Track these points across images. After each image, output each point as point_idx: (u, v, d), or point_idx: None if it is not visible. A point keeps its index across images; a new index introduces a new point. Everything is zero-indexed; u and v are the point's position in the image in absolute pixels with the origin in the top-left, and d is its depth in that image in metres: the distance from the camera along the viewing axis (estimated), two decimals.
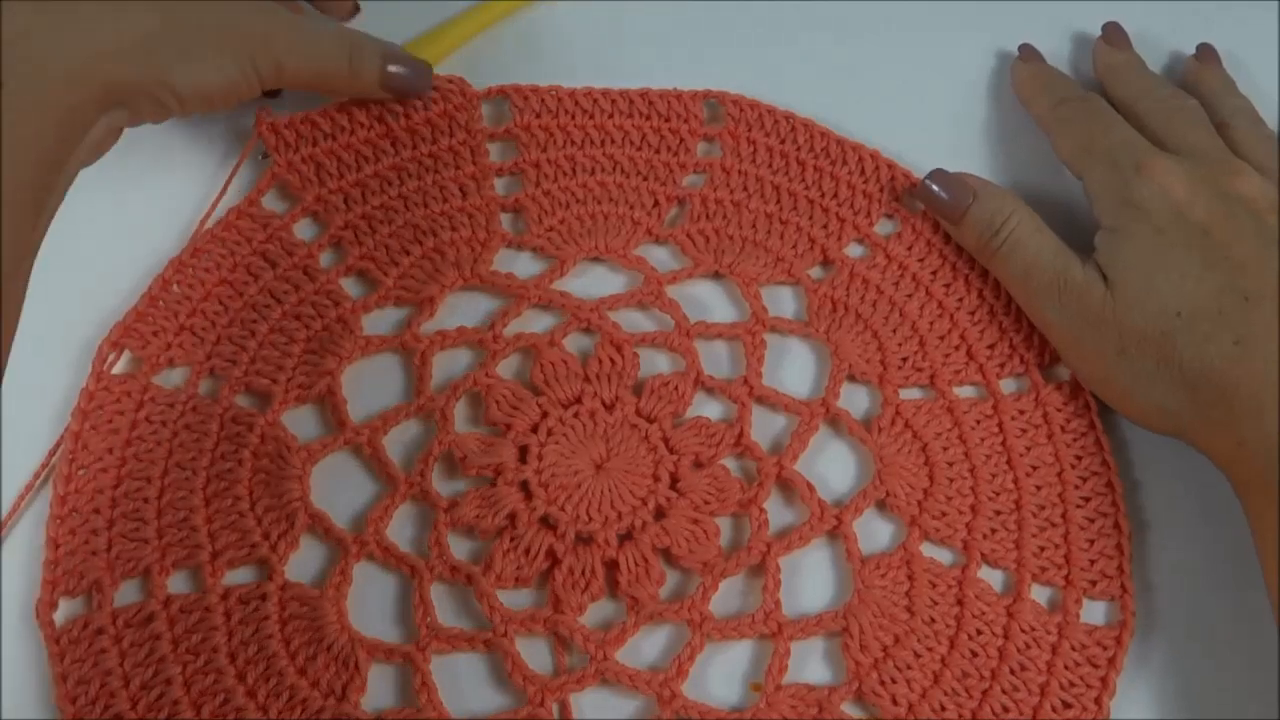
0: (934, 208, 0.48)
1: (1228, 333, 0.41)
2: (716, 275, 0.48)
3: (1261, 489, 0.40)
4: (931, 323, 0.48)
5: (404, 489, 0.43)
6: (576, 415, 0.44)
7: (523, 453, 0.43)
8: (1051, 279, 0.45)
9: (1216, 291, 0.42)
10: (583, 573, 0.41)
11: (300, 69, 0.45)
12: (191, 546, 0.41)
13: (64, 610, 0.40)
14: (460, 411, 0.45)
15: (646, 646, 0.41)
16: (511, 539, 0.42)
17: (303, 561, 0.42)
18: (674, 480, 0.43)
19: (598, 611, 0.41)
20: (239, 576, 0.41)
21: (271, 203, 0.49)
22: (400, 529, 0.43)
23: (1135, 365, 0.43)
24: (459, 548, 0.42)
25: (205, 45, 0.41)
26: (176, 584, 0.41)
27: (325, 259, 0.48)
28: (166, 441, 0.43)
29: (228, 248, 0.47)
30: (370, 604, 0.41)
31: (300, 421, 0.44)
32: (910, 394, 0.47)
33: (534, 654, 0.41)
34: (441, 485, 0.43)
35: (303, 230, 0.49)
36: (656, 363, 0.47)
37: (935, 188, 0.48)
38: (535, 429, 0.44)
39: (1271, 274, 0.43)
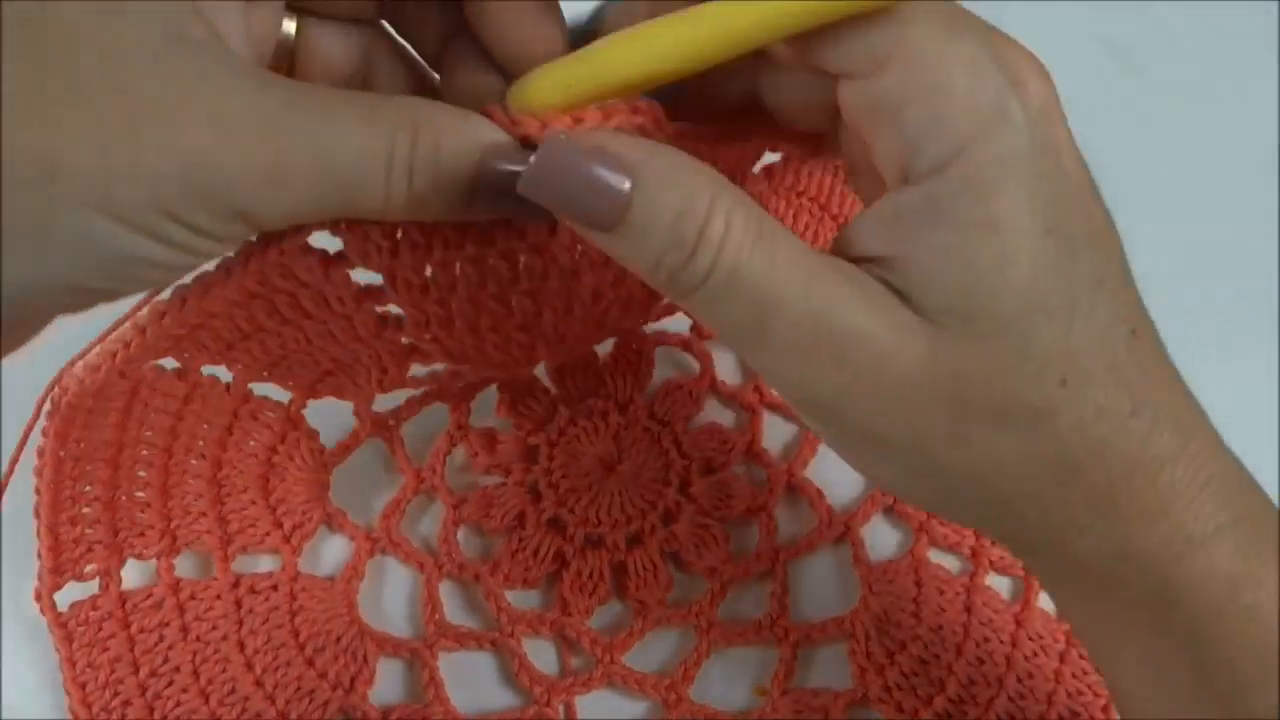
0: (559, 208, 0.25)
1: (1125, 398, 0.25)
2: None
3: (1142, 613, 0.27)
4: None
5: (414, 483, 0.42)
6: (590, 415, 0.43)
7: (534, 451, 0.43)
8: (814, 336, 0.24)
9: (1108, 328, 0.25)
10: (590, 576, 0.40)
11: (300, 204, 0.25)
12: (202, 531, 0.40)
13: (70, 595, 0.39)
14: (476, 407, 0.43)
15: (653, 650, 0.40)
16: (519, 539, 0.41)
17: (316, 553, 0.41)
18: (684, 485, 0.42)
19: (605, 614, 0.41)
20: (252, 565, 0.41)
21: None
22: (414, 523, 0.42)
23: (978, 456, 0.25)
24: (471, 542, 0.42)
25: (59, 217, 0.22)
26: (186, 569, 0.40)
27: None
28: (170, 419, 0.39)
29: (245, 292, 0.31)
30: (381, 598, 0.41)
31: (321, 412, 0.42)
32: None
33: (541, 654, 0.40)
34: (456, 478, 0.42)
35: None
36: (671, 366, 0.45)
37: (547, 172, 0.25)
38: (547, 427, 0.43)
39: (1124, 277, 0.26)
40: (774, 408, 0.45)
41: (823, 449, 0.44)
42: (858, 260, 0.25)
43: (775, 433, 0.44)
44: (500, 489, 0.42)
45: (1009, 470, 0.25)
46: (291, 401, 0.42)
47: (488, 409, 0.44)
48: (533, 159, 0.24)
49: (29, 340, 0.26)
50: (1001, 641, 0.41)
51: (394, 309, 0.32)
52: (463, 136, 0.25)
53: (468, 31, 0.29)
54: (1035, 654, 0.40)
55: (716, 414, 0.44)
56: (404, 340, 0.33)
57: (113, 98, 0.22)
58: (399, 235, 0.29)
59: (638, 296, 0.32)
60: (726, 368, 0.45)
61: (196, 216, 0.23)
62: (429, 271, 0.30)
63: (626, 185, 0.24)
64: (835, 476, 0.44)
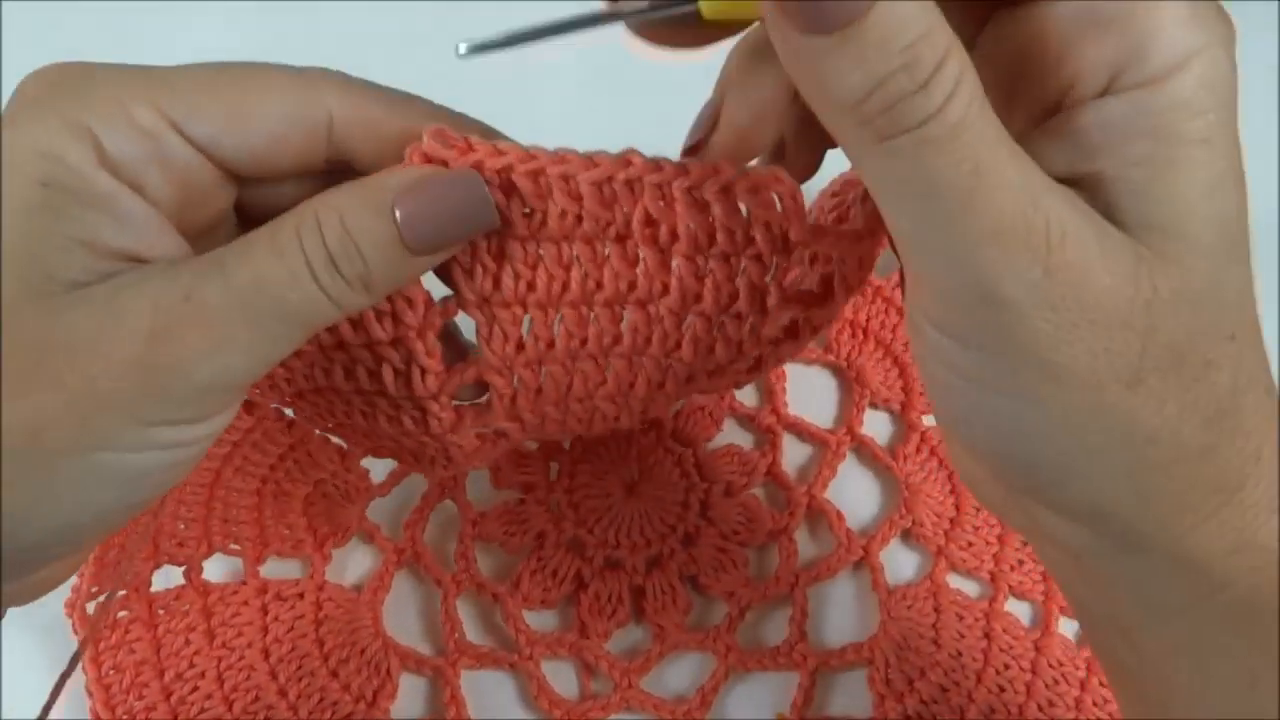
0: None
1: (1264, 372, 0.24)
2: None
3: (1242, 616, 0.24)
4: None
5: (436, 492, 0.41)
6: (613, 436, 0.42)
7: (555, 469, 0.42)
8: (1026, 218, 0.21)
9: (1251, 298, 0.24)
10: (609, 599, 0.39)
11: (265, 355, 0.25)
12: (237, 537, 0.39)
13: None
14: None
15: (671, 674, 0.39)
16: (539, 559, 0.40)
17: (342, 563, 0.41)
18: (704, 508, 0.41)
19: (623, 636, 0.40)
20: (280, 573, 0.40)
21: None
22: (436, 536, 0.41)
23: (1149, 406, 0.23)
24: (488, 557, 0.41)
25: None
26: (215, 574, 0.39)
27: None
28: (228, 446, 0.40)
29: None
30: (400, 611, 0.40)
31: None
32: (933, 420, 0.45)
33: (560, 676, 0.39)
34: (476, 491, 0.42)
35: None
36: None
37: None
38: (572, 446, 0.42)
39: None
40: (791, 429, 0.44)
41: (843, 470, 0.43)
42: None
43: (793, 454, 0.43)
44: (520, 507, 0.41)
45: (1168, 428, 0.23)
46: (349, 456, 0.41)
47: None
48: None
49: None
50: (1022, 669, 0.40)
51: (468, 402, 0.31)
52: (365, 203, 0.25)
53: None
54: (1056, 682, 0.39)
55: (734, 436, 0.44)
56: (477, 431, 0.31)
57: (47, 352, 0.23)
58: (501, 275, 0.28)
59: (727, 372, 0.31)
60: (743, 391, 0.45)
61: (173, 413, 0.24)
62: (526, 323, 0.29)
63: None
64: (853, 498, 0.43)
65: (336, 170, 0.28)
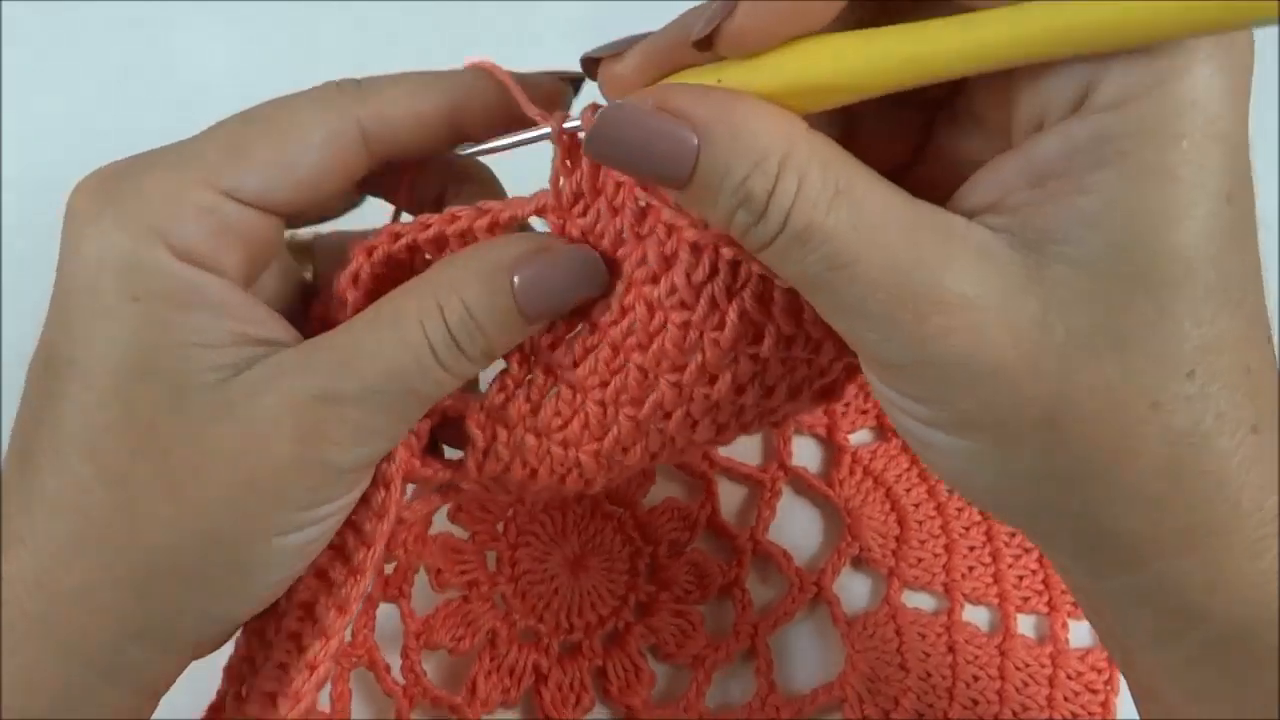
0: (626, 169, 0.23)
1: (1250, 409, 0.21)
2: None
3: (1227, 651, 0.22)
4: None
5: (379, 594, 0.38)
6: (545, 509, 0.40)
7: (493, 558, 0.39)
8: (891, 296, 0.21)
9: (1248, 327, 0.21)
10: (571, 686, 0.37)
11: (400, 431, 0.27)
12: None
13: None
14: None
15: None
16: (492, 658, 0.37)
17: None
18: (652, 571, 0.39)
19: None
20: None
21: None
22: (389, 638, 0.38)
23: (1057, 447, 0.21)
24: (442, 661, 0.38)
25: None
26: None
27: None
28: None
29: None
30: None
31: None
32: (860, 438, 0.43)
33: None
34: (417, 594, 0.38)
35: None
36: None
37: (610, 133, 0.22)
38: (505, 529, 0.39)
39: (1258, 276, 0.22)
40: (724, 472, 0.41)
41: (781, 507, 0.41)
42: (987, 209, 0.21)
43: (729, 498, 0.41)
44: (465, 605, 0.38)
45: (1104, 472, 0.21)
46: None
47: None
48: (595, 119, 0.23)
49: None
50: (991, 677, 0.38)
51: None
52: (483, 282, 0.25)
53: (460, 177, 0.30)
54: (1026, 684, 0.38)
55: (668, 487, 0.41)
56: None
57: (204, 462, 0.24)
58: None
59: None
60: None
61: (327, 494, 0.25)
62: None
63: (693, 142, 0.21)
64: (797, 533, 0.41)
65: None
